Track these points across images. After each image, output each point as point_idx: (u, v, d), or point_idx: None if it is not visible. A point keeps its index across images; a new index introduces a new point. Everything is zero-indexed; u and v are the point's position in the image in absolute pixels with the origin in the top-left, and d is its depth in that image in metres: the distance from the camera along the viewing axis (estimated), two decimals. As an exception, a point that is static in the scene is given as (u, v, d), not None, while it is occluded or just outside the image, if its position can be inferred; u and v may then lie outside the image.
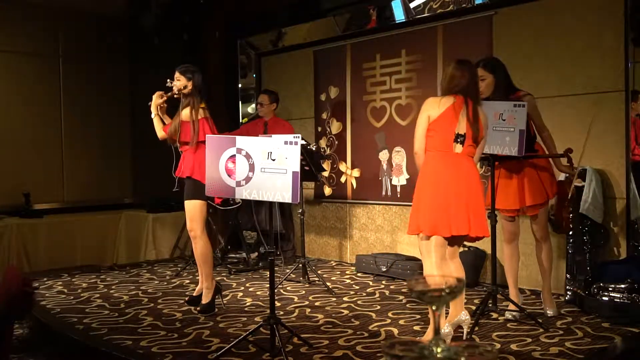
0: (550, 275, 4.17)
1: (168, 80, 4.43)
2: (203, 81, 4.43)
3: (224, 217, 6.50)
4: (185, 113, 4.32)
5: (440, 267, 3.52)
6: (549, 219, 4.17)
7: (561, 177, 4.25)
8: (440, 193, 3.46)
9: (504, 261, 4.29)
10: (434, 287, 1.42)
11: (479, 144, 3.57)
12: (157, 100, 4.43)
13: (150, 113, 4.46)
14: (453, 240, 3.56)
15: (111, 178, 7.69)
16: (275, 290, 4.18)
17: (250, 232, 6.55)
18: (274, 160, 3.30)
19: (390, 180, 5.96)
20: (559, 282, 4.67)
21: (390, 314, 4.26)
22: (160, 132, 4.42)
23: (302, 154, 4.16)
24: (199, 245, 4.35)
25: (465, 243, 4.20)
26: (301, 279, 5.36)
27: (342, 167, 6.41)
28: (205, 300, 4.37)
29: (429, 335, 3.50)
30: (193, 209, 4.32)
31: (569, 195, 4.14)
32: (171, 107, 4.52)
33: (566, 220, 4.19)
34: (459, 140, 3.49)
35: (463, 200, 3.45)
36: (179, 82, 4.37)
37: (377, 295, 4.86)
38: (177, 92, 4.37)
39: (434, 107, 3.52)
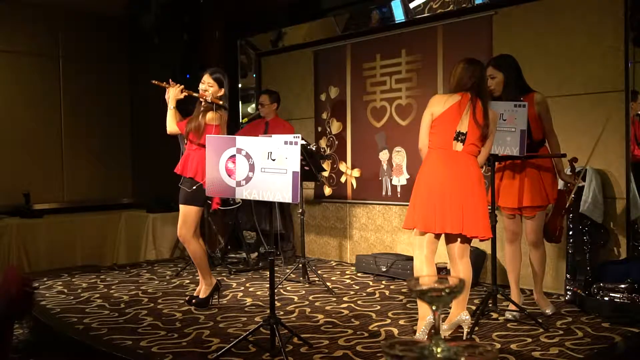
0: (542, 279, 4.17)
1: (200, 85, 4.37)
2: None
3: (224, 217, 6.50)
4: (211, 116, 4.29)
5: (431, 262, 3.56)
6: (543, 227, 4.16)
7: (560, 185, 4.24)
8: (435, 191, 3.47)
9: (506, 261, 4.29)
10: (433, 287, 1.42)
11: (484, 142, 3.57)
12: (177, 94, 4.37)
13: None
14: (453, 239, 3.56)
15: (111, 178, 7.68)
16: (275, 290, 4.18)
17: (250, 232, 6.56)
18: (274, 160, 3.30)
19: (391, 180, 5.96)
20: (559, 282, 4.68)
21: (390, 314, 4.26)
22: (173, 127, 4.39)
23: (302, 154, 4.16)
24: (191, 248, 4.42)
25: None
26: (301, 279, 5.36)
27: (342, 167, 6.40)
28: (202, 295, 4.50)
29: (420, 328, 3.51)
30: (188, 214, 4.36)
31: (567, 205, 4.13)
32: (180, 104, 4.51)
33: (559, 230, 4.19)
34: (459, 138, 3.50)
35: (457, 199, 3.44)
36: (213, 89, 4.34)
37: (377, 295, 4.85)
38: (209, 101, 4.30)
39: (438, 105, 3.54)
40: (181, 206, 4.39)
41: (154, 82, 4.45)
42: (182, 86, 4.40)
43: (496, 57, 4.22)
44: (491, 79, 4.00)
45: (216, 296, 4.55)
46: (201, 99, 4.36)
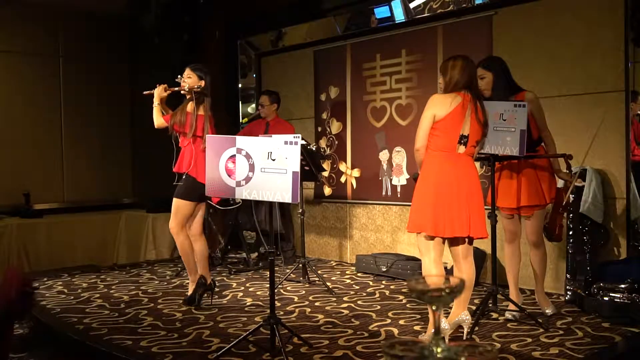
0: (543, 279, 4.17)
1: (179, 76, 4.56)
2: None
3: (224, 217, 6.50)
4: (192, 106, 4.44)
5: (439, 264, 3.55)
6: (543, 227, 4.16)
7: (560, 184, 4.24)
8: (443, 194, 3.45)
9: (505, 261, 4.29)
10: (434, 287, 1.42)
11: (480, 142, 3.59)
12: (161, 93, 4.55)
13: (151, 103, 4.58)
14: (458, 241, 3.56)
15: (111, 178, 7.69)
16: (275, 290, 4.17)
17: (250, 232, 6.55)
18: (274, 160, 3.30)
19: (391, 180, 5.96)
20: (559, 282, 4.68)
21: (390, 314, 4.26)
22: (159, 120, 4.53)
23: (302, 154, 4.16)
24: (178, 241, 4.55)
25: None
26: (301, 279, 5.36)
27: (342, 167, 6.40)
28: (190, 291, 4.57)
29: (430, 332, 3.50)
30: (177, 206, 4.48)
31: (564, 202, 4.14)
32: (172, 100, 4.64)
33: (559, 228, 4.19)
34: (462, 141, 3.48)
35: (464, 202, 3.45)
36: (190, 80, 4.51)
37: (377, 295, 4.85)
38: (187, 90, 4.48)
39: (441, 106, 3.47)
40: (174, 199, 4.50)
41: (145, 93, 4.66)
42: (165, 85, 4.57)
43: (485, 58, 4.23)
44: (480, 79, 4.01)
45: (207, 295, 4.58)
46: (182, 91, 4.53)
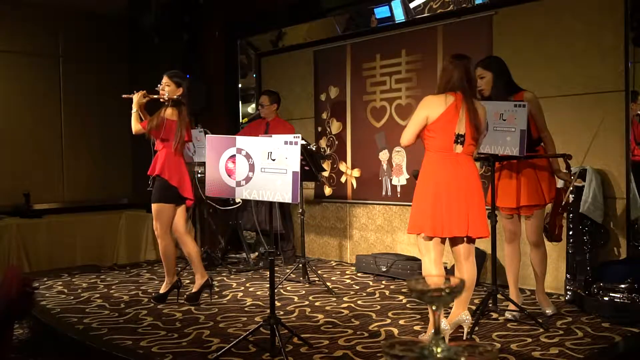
0: (543, 279, 4.17)
1: (159, 85, 4.66)
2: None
3: (224, 217, 6.50)
4: (170, 112, 4.56)
5: (439, 264, 3.56)
6: (544, 227, 4.16)
7: (559, 184, 4.24)
8: (441, 195, 3.46)
9: (505, 261, 4.29)
10: (434, 287, 1.42)
11: (479, 140, 3.59)
12: (140, 99, 4.67)
13: (131, 108, 4.69)
14: (459, 241, 3.56)
15: (111, 178, 7.68)
16: (275, 290, 4.18)
17: (250, 232, 6.55)
18: (274, 160, 3.30)
19: (390, 180, 5.96)
20: (559, 282, 4.68)
21: (390, 314, 4.26)
22: (136, 127, 4.67)
23: (302, 154, 4.16)
24: (160, 245, 4.65)
25: None
26: (301, 279, 5.36)
27: (342, 167, 6.40)
28: (162, 290, 4.74)
29: (430, 332, 3.50)
30: (157, 211, 4.60)
31: (563, 202, 4.14)
32: (152, 106, 4.73)
33: (559, 228, 4.19)
34: (459, 141, 3.49)
35: (463, 202, 3.45)
36: (169, 88, 4.62)
37: (377, 295, 4.86)
38: (166, 99, 4.59)
39: (434, 107, 3.48)
40: (152, 205, 4.62)
41: (124, 96, 4.77)
42: (144, 91, 4.69)
43: (484, 58, 4.24)
44: (480, 79, 4.01)
45: (206, 293, 4.64)
46: (161, 99, 4.63)
